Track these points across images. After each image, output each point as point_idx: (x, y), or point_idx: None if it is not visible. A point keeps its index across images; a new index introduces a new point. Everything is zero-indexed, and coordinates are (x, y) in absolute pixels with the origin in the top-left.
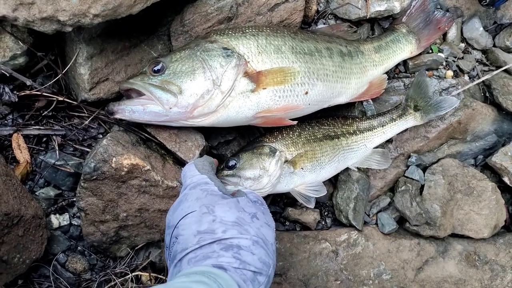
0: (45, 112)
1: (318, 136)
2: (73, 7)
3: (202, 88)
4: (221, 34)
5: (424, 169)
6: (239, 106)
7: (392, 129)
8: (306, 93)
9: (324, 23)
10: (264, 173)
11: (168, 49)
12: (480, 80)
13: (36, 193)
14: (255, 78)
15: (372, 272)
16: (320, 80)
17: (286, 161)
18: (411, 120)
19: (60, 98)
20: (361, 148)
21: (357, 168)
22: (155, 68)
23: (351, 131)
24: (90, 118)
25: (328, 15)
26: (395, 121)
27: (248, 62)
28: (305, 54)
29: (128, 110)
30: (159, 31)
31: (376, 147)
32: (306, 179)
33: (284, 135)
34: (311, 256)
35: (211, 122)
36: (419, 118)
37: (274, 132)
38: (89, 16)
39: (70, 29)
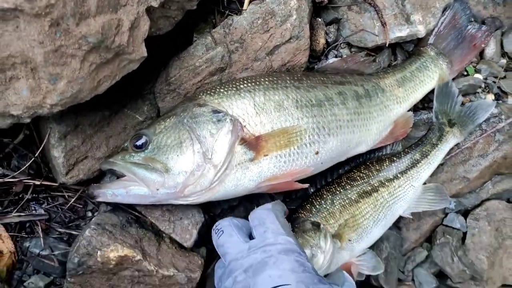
0: (25, 196)
1: (353, 198)
2: (25, 100)
3: (191, 163)
4: (211, 94)
5: (466, 213)
6: (238, 178)
7: (437, 156)
8: (317, 152)
9: (336, 55)
10: (317, 250)
11: (155, 110)
12: None
13: (25, 283)
14: (254, 145)
15: None
16: (332, 134)
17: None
18: (451, 139)
19: (37, 182)
20: (408, 192)
21: (411, 214)
22: (137, 143)
23: (391, 177)
24: (73, 200)
25: (341, 44)
26: (437, 146)
27: (244, 126)
28: (313, 106)
29: (110, 194)
30: (144, 89)
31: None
32: (355, 252)
33: (317, 206)
34: None
35: (207, 199)
36: (458, 134)
37: (304, 205)
38: (46, 107)
39: (29, 120)
